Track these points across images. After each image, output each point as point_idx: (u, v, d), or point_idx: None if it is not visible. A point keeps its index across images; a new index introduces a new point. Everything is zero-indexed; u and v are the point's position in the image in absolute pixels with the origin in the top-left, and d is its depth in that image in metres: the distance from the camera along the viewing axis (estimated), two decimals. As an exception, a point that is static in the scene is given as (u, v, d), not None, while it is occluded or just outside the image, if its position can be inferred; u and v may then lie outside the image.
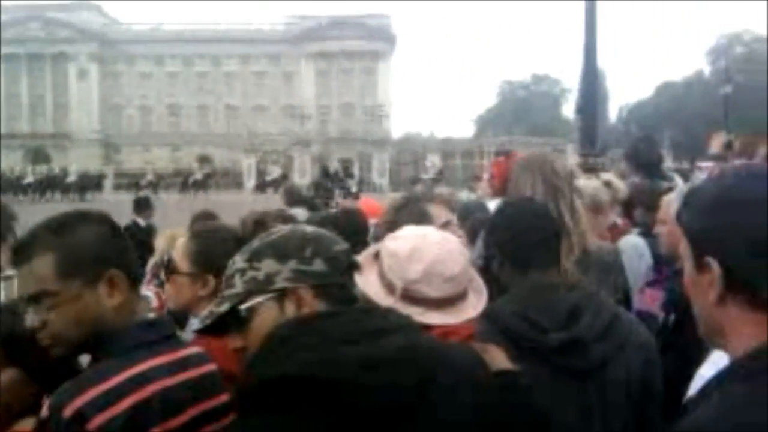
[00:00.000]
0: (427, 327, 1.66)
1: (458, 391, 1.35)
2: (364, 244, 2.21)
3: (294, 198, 8.74)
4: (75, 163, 59.03)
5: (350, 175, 45.91)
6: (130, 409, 1.51)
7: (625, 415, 2.10)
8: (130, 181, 48.77)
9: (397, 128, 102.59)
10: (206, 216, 4.60)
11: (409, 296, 1.75)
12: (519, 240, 2.21)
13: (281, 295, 1.49)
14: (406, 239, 1.83)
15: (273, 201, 10.20)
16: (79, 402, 1.48)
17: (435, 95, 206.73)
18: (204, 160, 68.21)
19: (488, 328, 1.96)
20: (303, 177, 48.35)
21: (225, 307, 1.51)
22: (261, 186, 48.09)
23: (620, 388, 2.08)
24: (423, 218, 2.51)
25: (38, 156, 72.82)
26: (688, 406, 1.19)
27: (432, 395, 1.29)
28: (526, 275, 2.19)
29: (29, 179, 48.59)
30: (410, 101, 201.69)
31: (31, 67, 78.88)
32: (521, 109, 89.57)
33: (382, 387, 1.23)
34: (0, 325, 1.87)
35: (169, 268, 2.46)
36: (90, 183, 47.61)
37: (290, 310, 1.48)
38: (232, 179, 53.96)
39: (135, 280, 1.74)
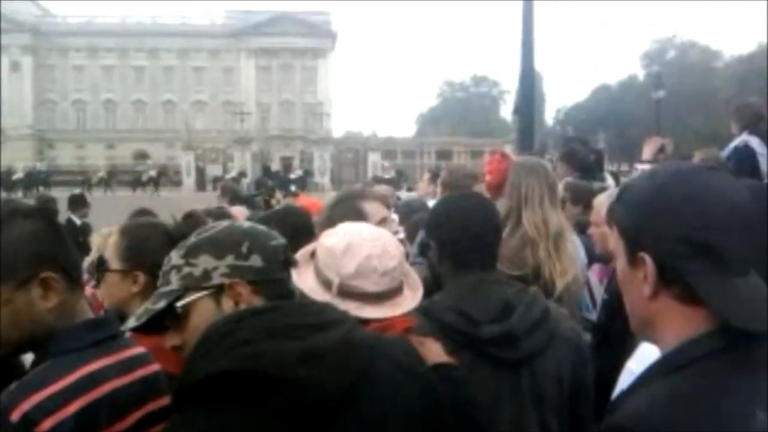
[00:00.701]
0: (364, 321, 1.68)
1: (397, 382, 1.37)
2: (309, 242, 2.19)
3: (234, 196, 8.65)
4: (6, 159, 57.26)
5: (309, 173, 45.49)
6: (79, 412, 1.46)
7: (558, 408, 2.15)
8: (64, 179, 47.80)
9: (339, 127, 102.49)
10: (143, 214, 4.46)
11: (346, 291, 1.77)
12: (458, 237, 2.23)
13: (218, 291, 1.48)
14: (342, 235, 1.86)
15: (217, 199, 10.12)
16: (26, 405, 1.42)
17: (376, 94, 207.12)
18: (141, 156, 66.87)
19: (424, 323, 1.99)
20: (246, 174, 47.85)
21: (161, 304, 1.49)
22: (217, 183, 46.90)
23: (552, 381, 2.14)
24: (359, 215, 2.50)
25: (-33, 151, 70.39)
26: (617, 402, 1.21)
27: (372, 386, 1.31)
28: (463, 272, 2.22)
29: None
30: (351, 100, 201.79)
31: (-40, 59, 76.29)
32: (461, 109, 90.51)
33: (323, 379, 1.23)
34: None
35: (101, 266, 2.41)
36: (37, 180, 46.60)
37: (228, 305, 1.48)
38: (168, 177, 52.93)
39: (74, 280, 1.63)
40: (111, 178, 49.04)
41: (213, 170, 52.73)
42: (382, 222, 2.56)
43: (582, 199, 4.68)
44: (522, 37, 9.74)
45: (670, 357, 1.17)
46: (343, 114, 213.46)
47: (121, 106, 79.96)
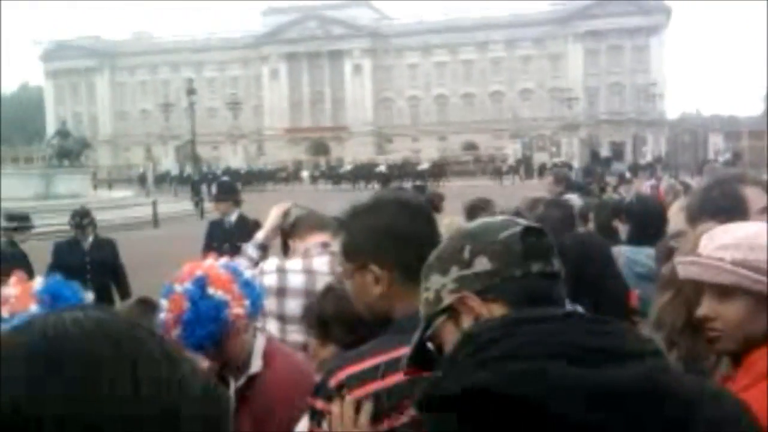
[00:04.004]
0: None
1: None
2: (661, 233, 1.91)
3: (569, 183, 8.48)
4: (351, 153, 63.06)
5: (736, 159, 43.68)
6: (387, 388, 1.60)
7: None
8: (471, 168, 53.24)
9: (674, 108, 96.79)
10: (480, 202, 4.59)
11: None
12: None
13: (452, 312, 1.27)
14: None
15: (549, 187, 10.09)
16: (342, 374, 1.63)
17: (717, 70, 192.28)
18: (469, 147, 69.30)
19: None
20: (571, 162, 47.28)
21: (415, 338, 1.34)
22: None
23: None
24: (738, 201, 2.20)
25: (319, 148, 78.63)
26: None
27: None
28: None
29: (346, 168, 56.42)
30: (689, 78, 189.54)
31: (311, 65, 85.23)
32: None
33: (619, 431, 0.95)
34: (311, 309, 2.26)
35: None
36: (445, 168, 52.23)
37: (468, 323, 1.24)
38: (492, 166, 54.25)
39: (405, 274, 1.67)
40: (519, 166, 51.25)
41: (539, 158, 52.87)
42: (763, 211, 2.24)
43: None
44: None
45: None
46: (678, 94, 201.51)
47: (452, 100, 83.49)
